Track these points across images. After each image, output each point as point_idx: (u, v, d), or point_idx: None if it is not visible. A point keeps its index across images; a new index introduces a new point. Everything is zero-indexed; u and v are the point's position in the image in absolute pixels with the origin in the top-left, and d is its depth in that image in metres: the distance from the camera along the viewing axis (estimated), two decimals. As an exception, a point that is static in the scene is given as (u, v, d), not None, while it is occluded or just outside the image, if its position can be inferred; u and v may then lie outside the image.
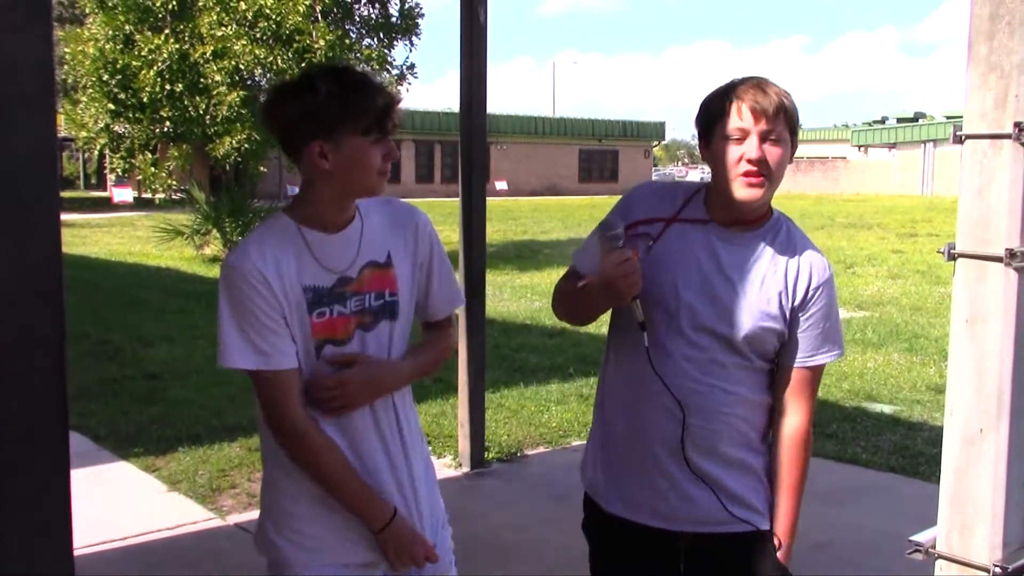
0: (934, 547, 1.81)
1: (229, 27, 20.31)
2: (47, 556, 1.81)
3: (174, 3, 20.19)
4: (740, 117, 1.99)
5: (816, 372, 2.13)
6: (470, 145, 5.40)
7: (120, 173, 26.36)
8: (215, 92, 20.54)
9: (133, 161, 22.85)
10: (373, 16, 22.45)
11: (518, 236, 22.37)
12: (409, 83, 22.37)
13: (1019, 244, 1.68)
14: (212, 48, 20.26)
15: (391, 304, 2.03)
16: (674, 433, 2.07)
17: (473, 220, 5.40)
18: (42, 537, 1.80)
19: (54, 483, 1.82)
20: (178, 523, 4.63)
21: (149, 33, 20.45)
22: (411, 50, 37.23)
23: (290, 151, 1.94)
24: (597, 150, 51.64)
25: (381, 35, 22.06)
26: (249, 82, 21.10)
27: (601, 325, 2.30)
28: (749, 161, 1.98)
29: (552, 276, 12.67)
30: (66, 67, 22.43)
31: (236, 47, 20.14)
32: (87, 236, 21.29)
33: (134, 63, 20.34)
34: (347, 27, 21.99)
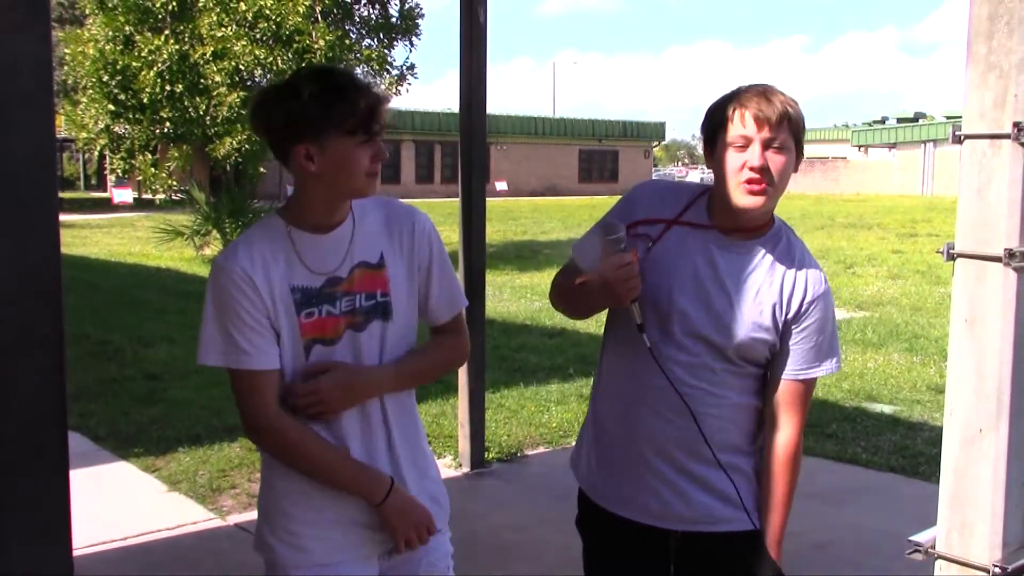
0: (934, 547, 1.81)
1: (229, 28, 20.32)
2: (47, 556, 1.81)
3: (174, 4, 20.21)
4: (743, 125, 1.99)
5: (808, 385, 2.13)
6: (470, 145, 5.40)
7: (120, 174, 26.38)
8: (215, 93, 20.55)
9: (133, 162, 22.87)
10: (373, 16, 22.47)
11: (518, 236, 22.37)
12: (409, 83, 22.40)
13: (1018, 244, 1.68)
14: (212, 49, 20.28)
15: (383, 304, 2.02)
16: (663, 433, 2.08)
17: (473, 220, 5.40)
18: (42, 537, 1.80)
19: (54, 483, 1.82)
20: (178, 523, 4.63)
21: (149, 34, 20.47)
22: (411, 50, 37.22)
23: (278, 154, 1.95)
24: (597, 150, 51.64)
25: (381, 35, 22.08)
26: (249, 83, 21.11)
27: (602, 325, 2.30)
28: (751, 169, 1.98)
29: (552, 277, 12.65)
30: (66, 68, 22.46)
31: (236, 48, 20.16)
32: (87, 237, 21.29)
33: (134, 64, 20.36)
34: (347, 27, 22.00)
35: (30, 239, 1.76)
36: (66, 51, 22.16)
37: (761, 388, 2.13)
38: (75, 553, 1.92)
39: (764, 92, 2.01)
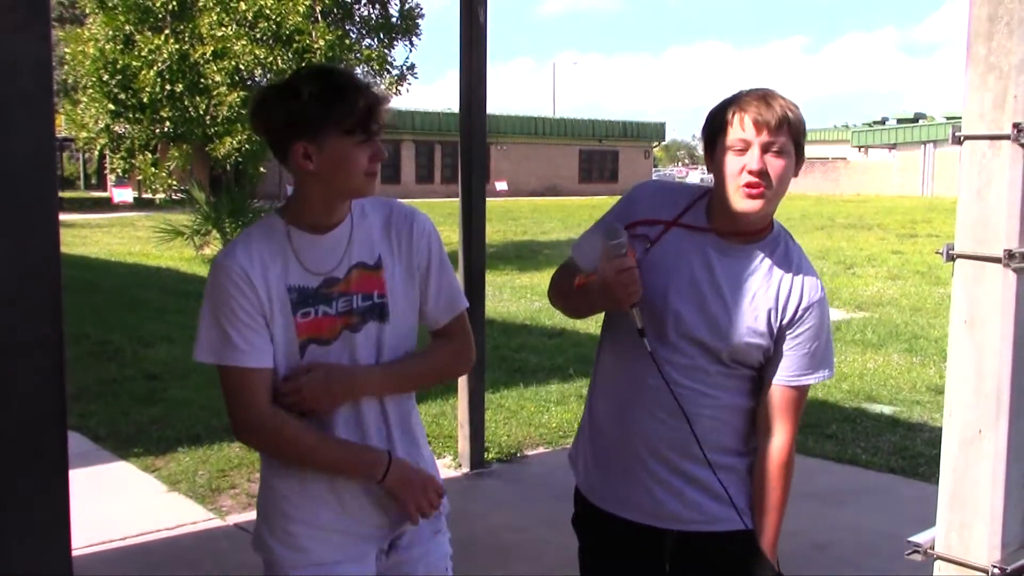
0: (933, 548, 1.81)
1: (229, 27, 20.33)
2: (46, 556, 1.81)
3: (174, 3, 20.21)
4: (743, 128, 1.99)
5: (801, 392, 2.12)
6: (470, 145, 5.40)
7: (120, 173, 26.39)
8: (215, 92, 20.56)
9: (133, 161, 22.88)
10: (373, 16, 22.47)
11: (518, 236, 22.37)
12: (409, 83, 22.40)
13: (1018, 245, 1.68)
14: (212, 48, 20.28)
15: (380, 305, 2.02)
16: (657, 433, 2.09)
17: (473, 220, 5.40)
18: (41, 537, 1.80)
19: (53, 483, 1.82)
20: (178, 523, 4.63)
21: (149, 33, 20.47)
22: (411, 50, 37.19)
23: (277, 153, 1.95)
24: (597, 150, 51.65)
25: (381, 35, 22.08)
26: (249, 82, 21.12)
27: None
28: (750, 172, 1.97)
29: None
30: (66, 67, 22.47)
31: (236, 47, 20.17)
32: (87, 236, 21.29)
33: (134, 63, 20.36)
34: (347, 27, 22.01)
35: (30, 239, 1.76)
36: (66, 50, 22.17)
37: (755, 389, 2.14)
38: (74, 553, 1.92)
39: (764, 96, 2.00)
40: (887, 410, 6.90)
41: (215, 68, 20.28)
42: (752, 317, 2.06)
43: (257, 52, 20.05)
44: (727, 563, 2.15)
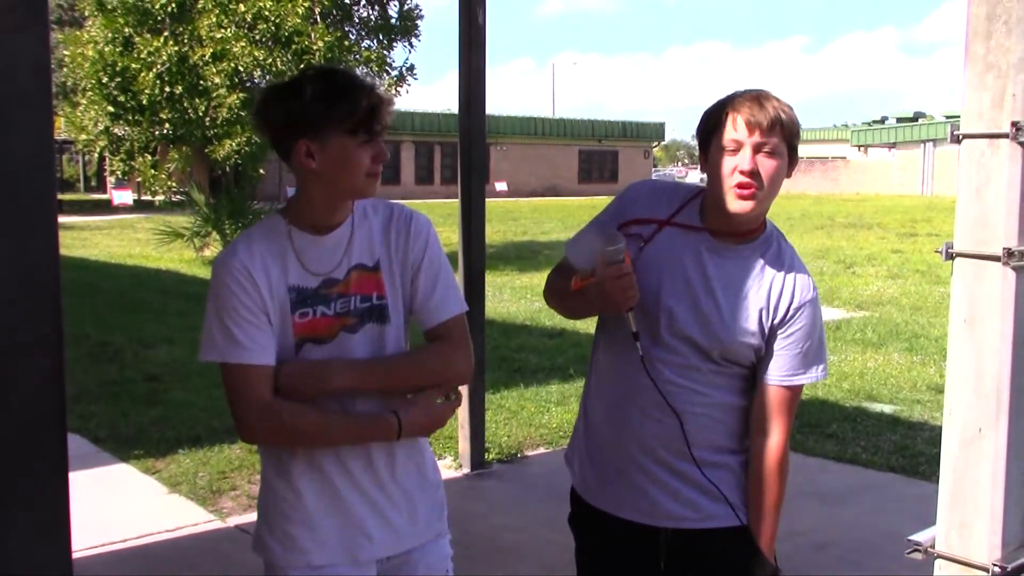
0: (933, 547, 1.81)
1: (228, 29, 20.31)
2: (46, 558, 1.81)
3: (173, 5, 20.19)
4: (735, 129, 2.00)
5: (795, 392, 2.13)
6: (469, 146, 5.40)
7: (120, 175, 26.35)
8: (214, 94, 20.53)
9: (133, 163, 22.83)
10: (372, 18, 22.44)
11: (518, 237, 22.38)
12: (409, 84, 22.35)
13: (1017, 243, 1.68)
14: (211, 50, 20.26)
15: (379, 307, 2.02)
16: (651, 431, 2.10)
17: (472, 221, 5.40)
18: (41, 539, 1.80)
19: (53, 485, 1.82)
20: (178, 525, 4.63)
21: (148, 35, 20.44)
22: (410, 51, 37.10)
23: (280, 152, 1.95)
24: (597, 151, 51.64)
25: (380, 36, 22.05)
26: (248, 84, 21.09)
27: (601, 327, 2.30)
28: (742, 172, 1.98)
29: (552, 277, 12.61)
30: (66, 70, 22.44)
31: (235, 49, 20.14)
32: (87, 238, 21.29)
33: (133, 65, 20.33)
34: (346, 29, 21.98)
35: (29, 240, 1.76)
36: (65, 53, 22.14)
37: (748, 388, 2.14)
38: (74, 555, 1.91)
39: (757, 97, 2.01)
40: (887, 409, 6.90)
41: (214, 70, 20.26)
42: (744, 316, 2.07)
43: (256, 54, 20.02)
44: (722, 560, 2.16)
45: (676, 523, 2.14)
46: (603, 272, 2.02)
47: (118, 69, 20.42)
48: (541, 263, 16.62)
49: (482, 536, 4.43)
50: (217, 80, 20.34)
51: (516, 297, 12.72)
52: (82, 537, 3.67)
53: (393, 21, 22.11)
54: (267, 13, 20.09)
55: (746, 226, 2.09)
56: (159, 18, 20.57)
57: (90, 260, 16.89)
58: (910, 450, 5.84)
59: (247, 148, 20.74)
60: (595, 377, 2.26)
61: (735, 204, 2.01)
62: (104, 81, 20.62)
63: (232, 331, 1.91)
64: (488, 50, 5.36)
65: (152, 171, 22.01)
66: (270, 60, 20.14)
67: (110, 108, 21.09)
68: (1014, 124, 1.66)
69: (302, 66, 19.04)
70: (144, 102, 20.62)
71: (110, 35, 20.48)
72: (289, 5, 20.06)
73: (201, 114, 20.72)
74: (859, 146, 54.82)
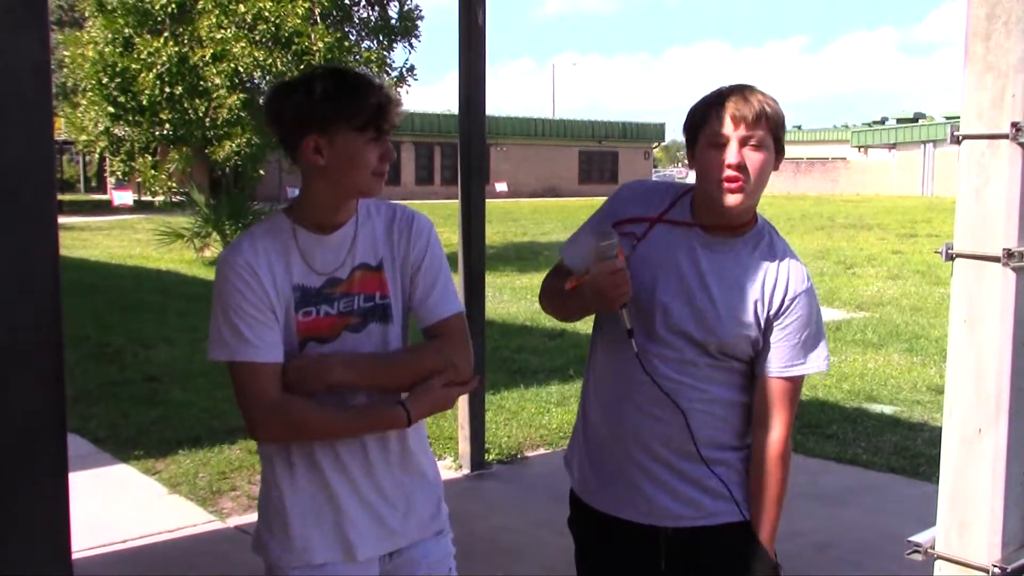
0: (933, 547, 1.81)
1: (228, 30, 20.30)
2: (46, 558, 1.81)
3: (173, 6, 20.19)
4: (721, 124, 2.01)
5: (795, 383, 2.12)
6: (469, 147, 5.40)
7: (120, 176, 26.34)
8: (215, 95, 20.53)
9: (133, 164, 22.83)
10: (372, 18, 22.44)
11: (518, 238, 22.39)
12: (409, 85, 22.35)
13: (1017, 244, 1.68)
14: (211, 51, 20.26)
15: (382, 307, 2.02)
16: (649, 429, 2.10)
17: (472, 222, 5.41)
18: (41, 539, 1.80)
19: (53, 485, 1.82)
20: (178, 526, 4.63)
21: (148, 36, 20.44)
22: (410, 52, 37.10)
23: (288, 148, 1.96)
24: (597, 151, 51.63)
25: (380, 37, 22.05)
26: (248, 85, 21.09)
27: (601, 327, 2.30)
28: (729, 166, 2.00)
29: (552, 278, 12.64)
30: (66, 70, 22.46)
31: (235, 50, 20.14)
32: (87, 239, 21.29)
33: (133, 66, 20.32)
34: (346, 29, 21.97)
35: (29, 241, 1.76)
36: (65, 54, 22.15)
37: (746, 384, 2.14)
38: (74, 555, 1.92)
39: (742, 92, 2.03)
40: (888, 410, 6.90)
41: (214, 71, 20.25)
42: (740, 309, 2.07)
43: (256, 54, 20.02)
44: (722, 557, 2.15)
45: (675, 521, 2.14)
46: (597, 268, 2.02)
47: (118, 70, 20.41)
48: (541, 264, 16.62)
49: (482, 537, 4.43)
50: (217, 81, 20.34)
51: (516, 298, 12.72)
52: (82, 537, 3.67)
53: (393, 22, 22.11)
54: (267, 14, 20.09)
55: (737, 220, 2.10)
56: (159, 19, 20.58)
57: (90, 261, 16.90)
58: (910, 451, 5.84)
59: (247, 149, 20.73)
60: (592, 378, 2.26)
61: (724, 198, 2.03)
62: (104, 82, 20.62)
63: (240, 329, 1.91)
64: (488, 51, 5.37)
65: (152, 172, 22.01)
66: (270, 61, 20.13)
67: (110, 109, 21.09)
68: (1014, 125, 1.65)
69: (302, 67, 19.06)
70: (144, 103, 20.61)
71: (110, 36, 20.48)
72: (289, 6, 20.06)
73: (201, 115, 20.72)
74: (859, 147, 54.81)
